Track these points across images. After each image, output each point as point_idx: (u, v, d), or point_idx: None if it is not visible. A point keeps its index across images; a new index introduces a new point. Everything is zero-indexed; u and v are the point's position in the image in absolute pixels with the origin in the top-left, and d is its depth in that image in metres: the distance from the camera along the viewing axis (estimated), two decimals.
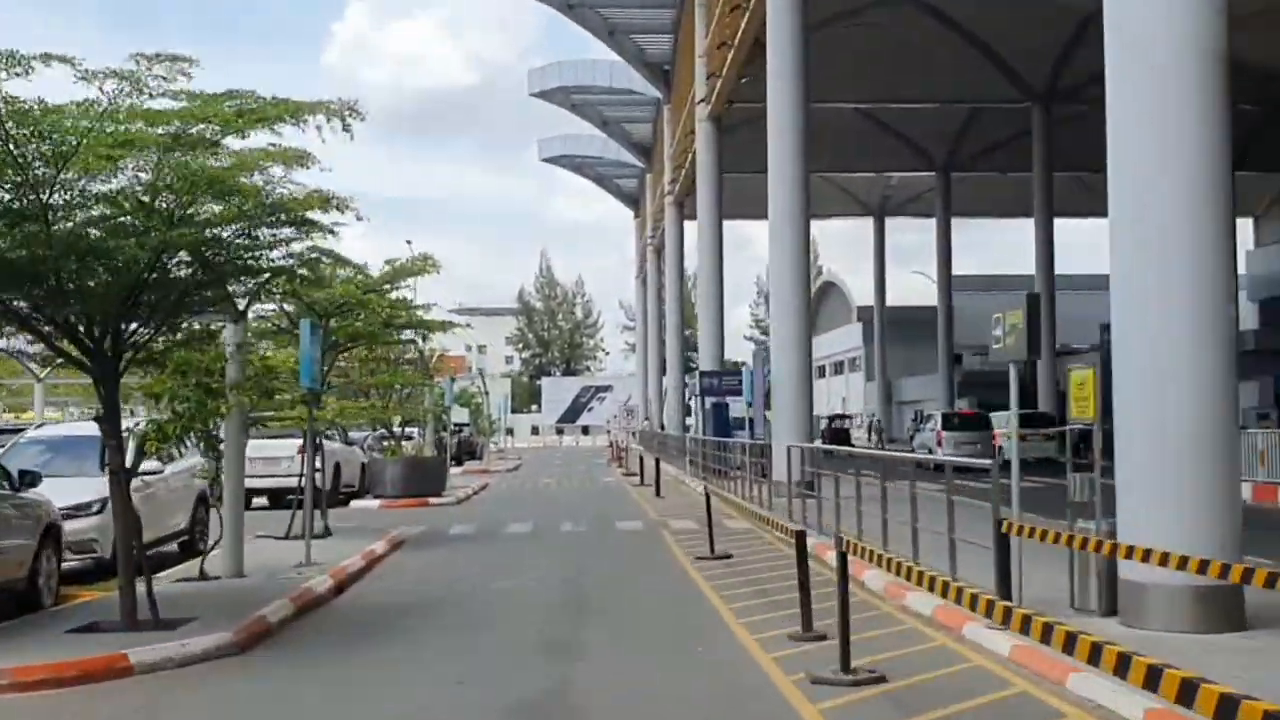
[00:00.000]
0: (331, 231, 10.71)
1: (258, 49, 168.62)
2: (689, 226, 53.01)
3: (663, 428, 56.17)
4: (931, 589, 6.90)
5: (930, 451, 35.58)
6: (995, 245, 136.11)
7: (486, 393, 53.10)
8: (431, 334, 24.32)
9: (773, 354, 24.24)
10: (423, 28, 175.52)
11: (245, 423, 12.62)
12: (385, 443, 28.67)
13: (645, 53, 50.10)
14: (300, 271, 10.87)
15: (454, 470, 37.01)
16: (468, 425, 52.21)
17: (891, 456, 12.57)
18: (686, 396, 52.73)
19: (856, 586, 11.81)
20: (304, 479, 15.81)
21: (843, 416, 68.28)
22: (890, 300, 66.28)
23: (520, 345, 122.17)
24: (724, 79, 33.64)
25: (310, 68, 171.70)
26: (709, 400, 33.09)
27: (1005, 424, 38.94)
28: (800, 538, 8.87)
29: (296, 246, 10.49)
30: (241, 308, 12.56)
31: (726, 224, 41.22)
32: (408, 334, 25.89)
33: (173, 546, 15.64)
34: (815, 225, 46.04)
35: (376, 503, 25.03)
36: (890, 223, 66.64)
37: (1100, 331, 51.20)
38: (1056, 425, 42.28)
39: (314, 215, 10.29)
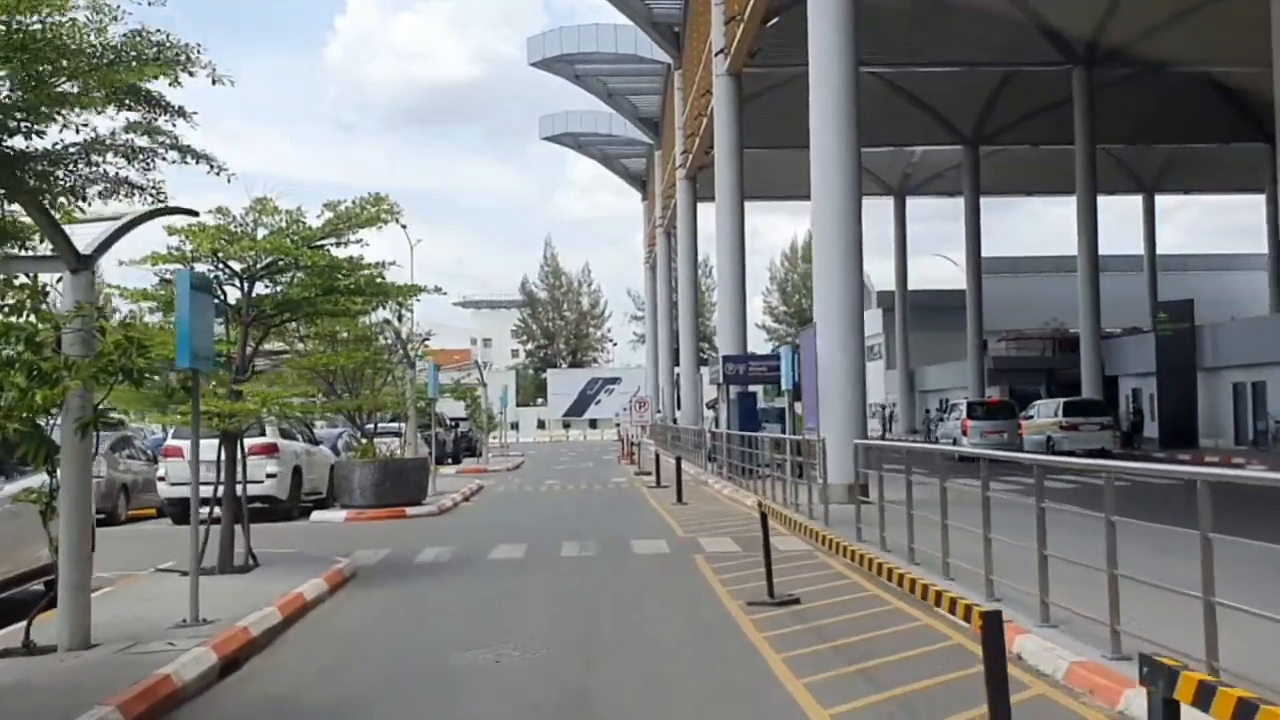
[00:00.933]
0: (181, 113, 6.62)
1: (259, 46, 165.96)
2: (702, 208, 49.10)
3: (675, 421, 52.29)
4: None
5: (955, 441, 34.28)
6: (1006, 229, 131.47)
7: (485, 384, 48.95)
8: (405, 308, 20.24)
9: (819, 333, 20.06)
10: (425, 20, 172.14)
11: (91, 420, 8.54)
12: (361, 441, 24.48)
13: (653, 11, 46.00)
14: (123, 173, 6.76)
15: (448, 470, 33.08)
16: (465, 420, 48.29)
17: (1060, 463, 8.62)
18: (700, 386, 48.89)
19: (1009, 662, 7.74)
20: (214, 491, 11.87)
21: None
22: (909, 286, 62.67)
23: (525, 337, 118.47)
24: (746, 23, 29.50)
25: (311, 64, 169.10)
26: (734, 390, 29.12)
27: (1038, 413, 36.53)
28: (993, 629, 4.74)
29: (103, 125, 6.39)
30: (85, 249, 8.53)
31: None
32: (381, 313, 22.13)
33: (39, 585, 11.69)
34: None
35: (343, 514, 21.01)
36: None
37: (1152, 313, 47.32)
38: (1108, 414, 38.98)
39: (141, 81, 6.24)
